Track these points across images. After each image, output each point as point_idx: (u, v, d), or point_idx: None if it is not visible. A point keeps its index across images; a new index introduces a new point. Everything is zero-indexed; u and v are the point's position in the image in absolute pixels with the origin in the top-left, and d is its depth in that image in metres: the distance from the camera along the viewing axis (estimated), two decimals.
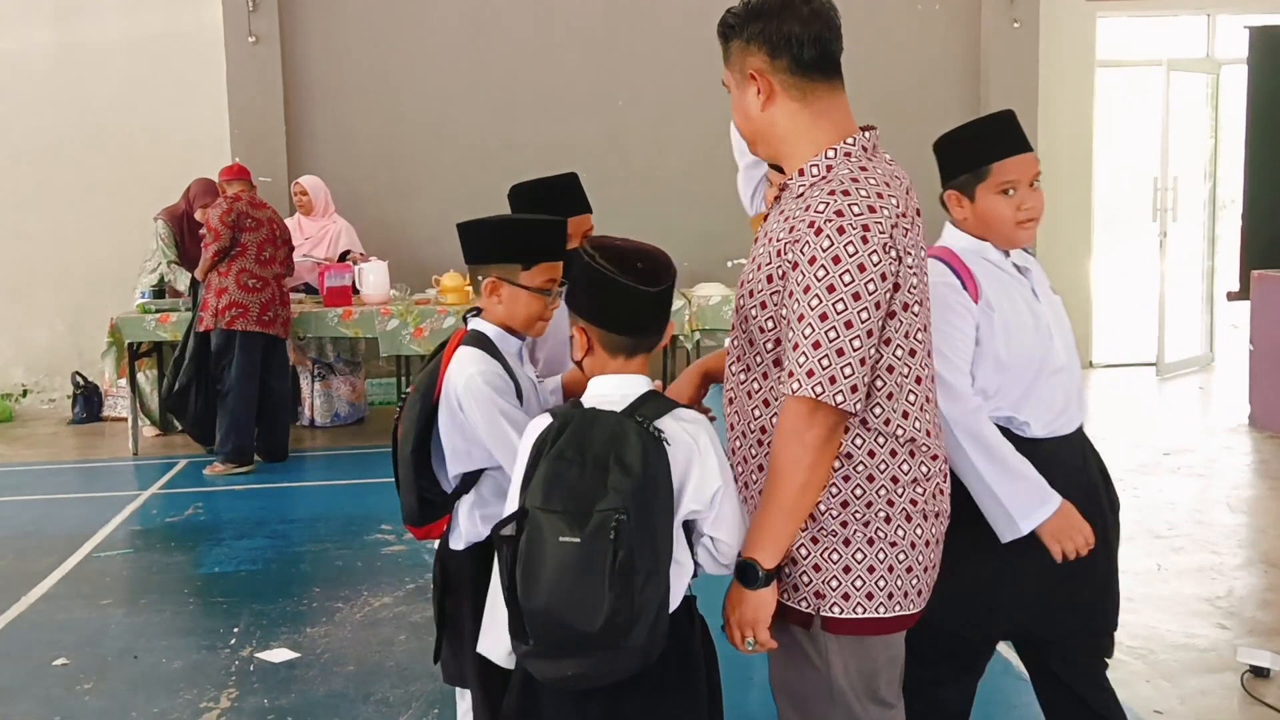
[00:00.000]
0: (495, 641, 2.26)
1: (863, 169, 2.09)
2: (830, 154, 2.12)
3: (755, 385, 2.19)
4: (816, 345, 2.00)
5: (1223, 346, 9.83)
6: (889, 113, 9.57)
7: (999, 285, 2.65)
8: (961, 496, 2.53)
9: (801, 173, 2.14)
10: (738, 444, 2.26)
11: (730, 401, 2.28)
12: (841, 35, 2.16)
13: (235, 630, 4.55)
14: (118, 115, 8.97)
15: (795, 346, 2.03)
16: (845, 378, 2.00)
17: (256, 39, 8.93)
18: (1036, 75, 9.36)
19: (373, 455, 7.48)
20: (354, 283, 7.66)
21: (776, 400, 2.13)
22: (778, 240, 2.10)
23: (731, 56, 2.18)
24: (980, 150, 2.65)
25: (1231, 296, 8.45)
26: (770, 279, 2.10)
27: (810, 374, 2.00)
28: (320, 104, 9.16)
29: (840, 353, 2.00)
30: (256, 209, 7.08)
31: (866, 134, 2.16)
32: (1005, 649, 3.48)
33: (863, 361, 2.01)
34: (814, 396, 2.00)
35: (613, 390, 2.18)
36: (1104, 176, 10.36)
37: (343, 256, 8.04)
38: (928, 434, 2.16)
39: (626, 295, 2.14)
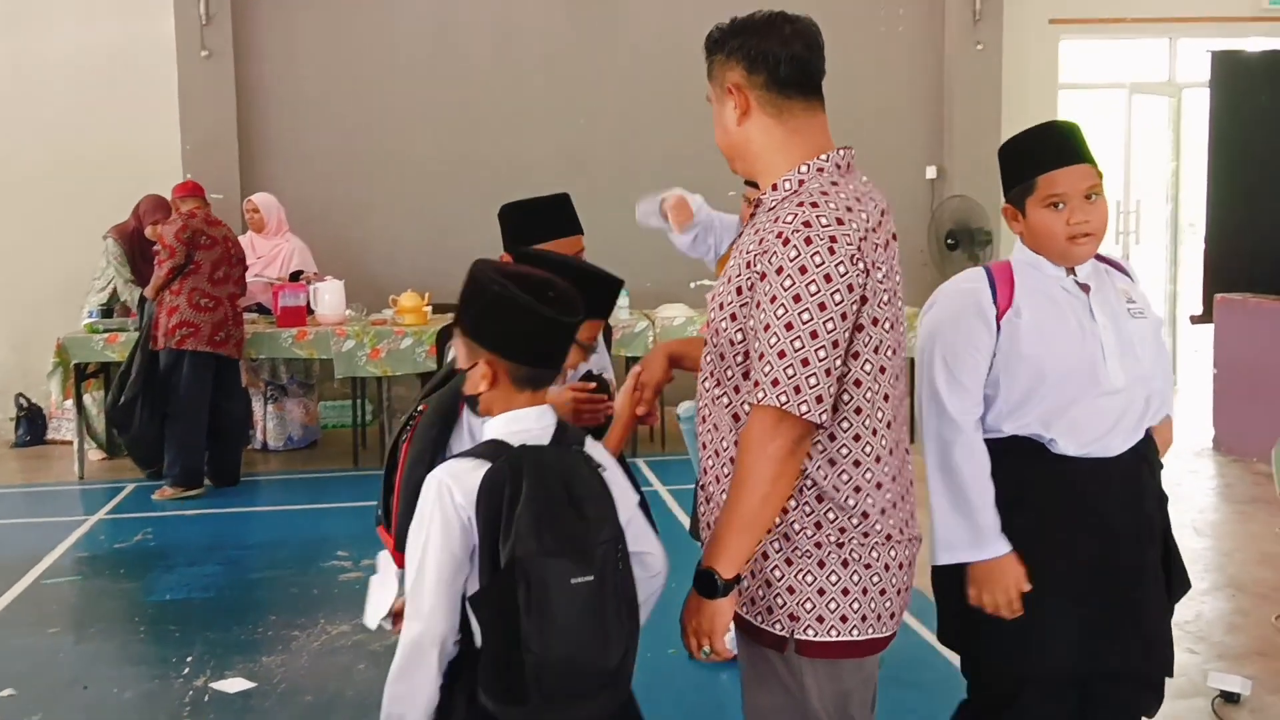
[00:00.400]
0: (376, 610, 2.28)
1: (833, 184, 2.12)
2: (803, 169, 2.14)
3: (726, 400, 2.18)
4: (782, 355, 2.00)
5: (1184, 370, 9.85)
6: (854, 134, 9.44)
7: (1044, 296, 2.57)
8: (1009, 528, 2.53)
9: (775, 188, 2.16)
10: (710, 463, 2.24)
11: (704, 419, 2.26)
12: (823, 56, 2.20)
13: (189, 659, 4.39)
14: (66, 130, 8.76)
15: (761, 356, 2.03)
16: (810, 388, 2.00)
17: (209, 53, 8.76)
18: (999, 97, 9.37)
19: (327, 479, 7.33)
20: (309, 302, 7.51)
21: (746, 414, 2.11)
22: (748, 253, 2.11)
23: (714, 71, 2.21)
24: (1027, 163, 2.58)
25: (1195, 320, 8.46)
26: (740, 291, 2.10)
27: (775, 383, 2.01)
28: (274, 120, 9.00)
29: (805, 362, 2.00)
30: (211, 226, 6.92)
31: (841, 152, 2.18)
32: None
33: (828, 372, 2.01)
34: (779, 406, 2.00)
35: (533, 423, 2.11)
36: None
37: (295, 276, 7.86)
38: (890, 453, 2.16)
39: (545, 326, 2.07)
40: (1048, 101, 9.60)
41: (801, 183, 2.13)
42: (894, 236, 2.19)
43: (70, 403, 7.49)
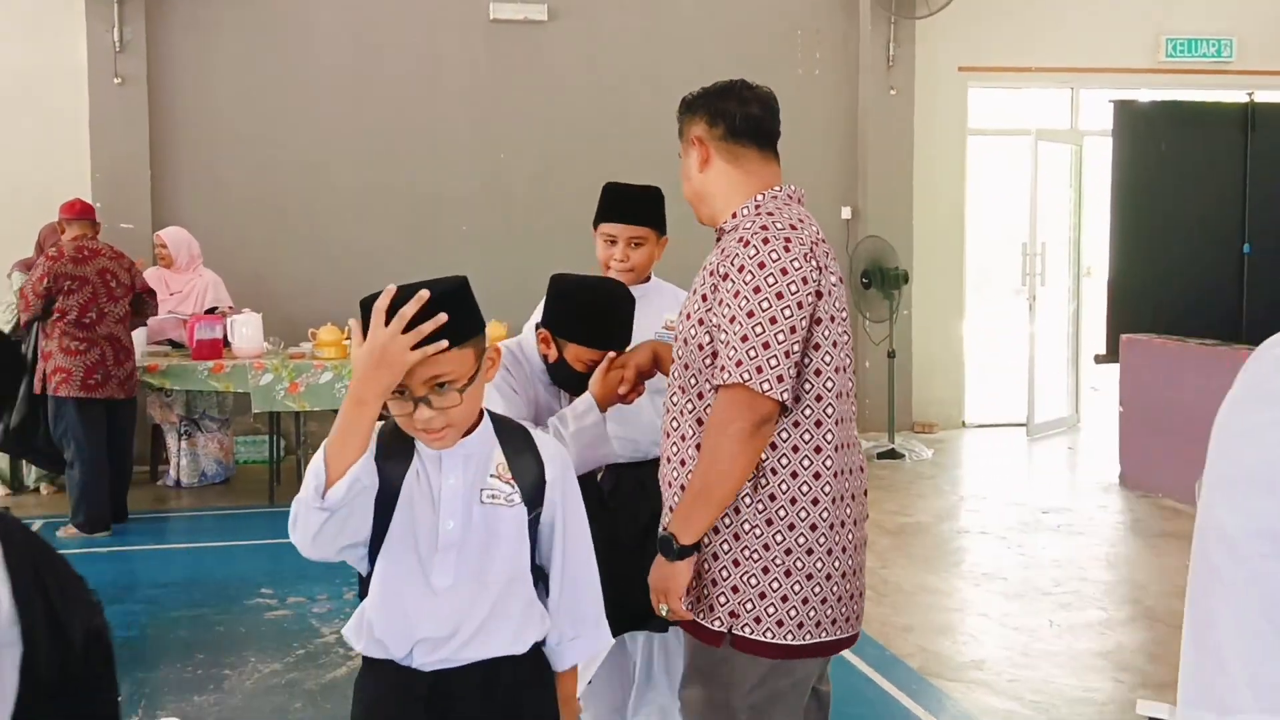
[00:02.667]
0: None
1: (782, 207, 2.37)
2: (759, 198, 2.39)
3: (691, 406, 2.34)
4: (744, 339, 2.17)
5: (1085, 408, 10.14)
6: None
7: None
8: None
9: (734, 215, 2.39)
10: (673, 474, 2.38)
11: (668, 435, 2.41)
12: (778, 118, 2.50)
13: (119, 700, 4.22)
14: None
15: (726, 343, 2.20)
16: (771, 368, 2.16)
17: (122, 80, 8.58)
18: (911, 141, 9.60)
19: (242, 516, 7.16)
20: (225, 336, 7.35)
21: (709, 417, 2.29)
22: (710, 265, 2.33)
23: (682, 129, 2.52)
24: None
25: (1099, 359, 8.73)
26: (704, 298, 2.30)
27: (739, 364, 2.17)
28: (189, 149, 8.83)
29: (766, 345, 2.17)
30: (82, 263, 6.48)
31: (793, 187, 2.44)
32: None
33: (787, 354, 2.18)
34: (742, 382, 2.17)
35: None
36: (976, 241, 10.65)
37: (210, 312, 7.68)
38: (837, 450, 2.30)
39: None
40: (957, 145, 9.88)
41: (758, 206, 2.37)
42: (841, 280, 2.40)
43: None
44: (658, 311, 3.03)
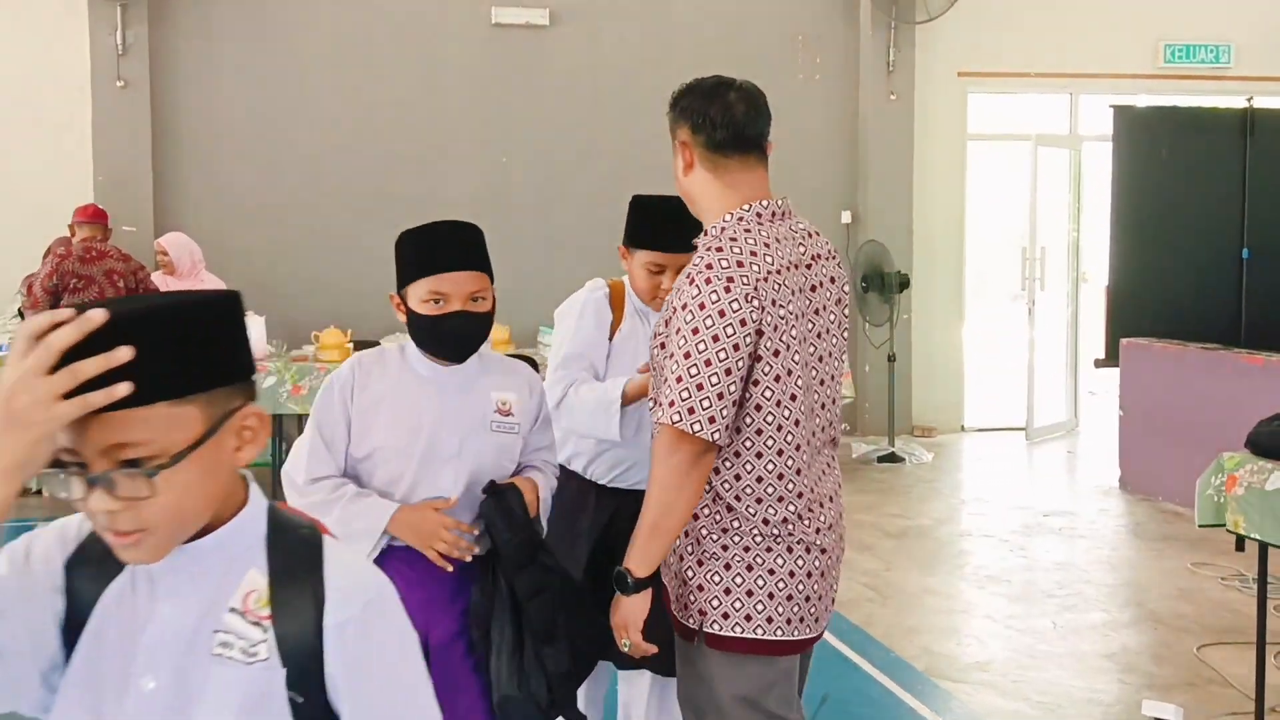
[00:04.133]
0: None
1: (746, 230, 2.35)
2: (728, 218, 2.38)
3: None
4: (679, 380, 2.25)
5: (1084, 412, 10.17)
6: (773, 178, 9.72)
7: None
8: None
9: (706, 233, 2.41)
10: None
11: (654, 437, 2.46)
12: (766, 116, 2.47)
13: None
14: None
15: (666, 380, 2.29)
16: (704, 409, 2.23)
17: (125, 83, 8.59)
18: (911, 145, 9.63)
19: None
20: None
21: None
22: (676, 290, 2.39)
23: (671, 125, 2.50)
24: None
25: (1099, 364, 8.75)
26: (667, 322, 2.36)
27: (672, 404, 2.25)
28: (191, 153, 8.84)
29: (700, 387, 2.23)
30: (89, 263, 6.48)
31: (767, 202, 2.41)
32: None
33: (720, 396, 2.24)
34: (673, 424, 2.24)
35: None
36: (975, 246, 10.68)
37: None
38: (798, 472, 2.35)
39: None
40: (957, 150, 9.90)
41: (723, 229, 2.37)
42: (832, 280, 2.45)
43: None
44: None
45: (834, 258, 2.49)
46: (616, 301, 2.98)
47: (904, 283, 8.84)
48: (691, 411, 2.23)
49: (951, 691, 4.46)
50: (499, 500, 2.46)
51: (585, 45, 9.23)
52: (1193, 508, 6.99)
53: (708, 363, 2.23)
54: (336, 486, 2.46)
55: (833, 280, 2.45)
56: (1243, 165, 8.67)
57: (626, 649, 2.37)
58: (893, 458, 8.69)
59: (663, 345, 2.37)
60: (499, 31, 9.16)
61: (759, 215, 2.39)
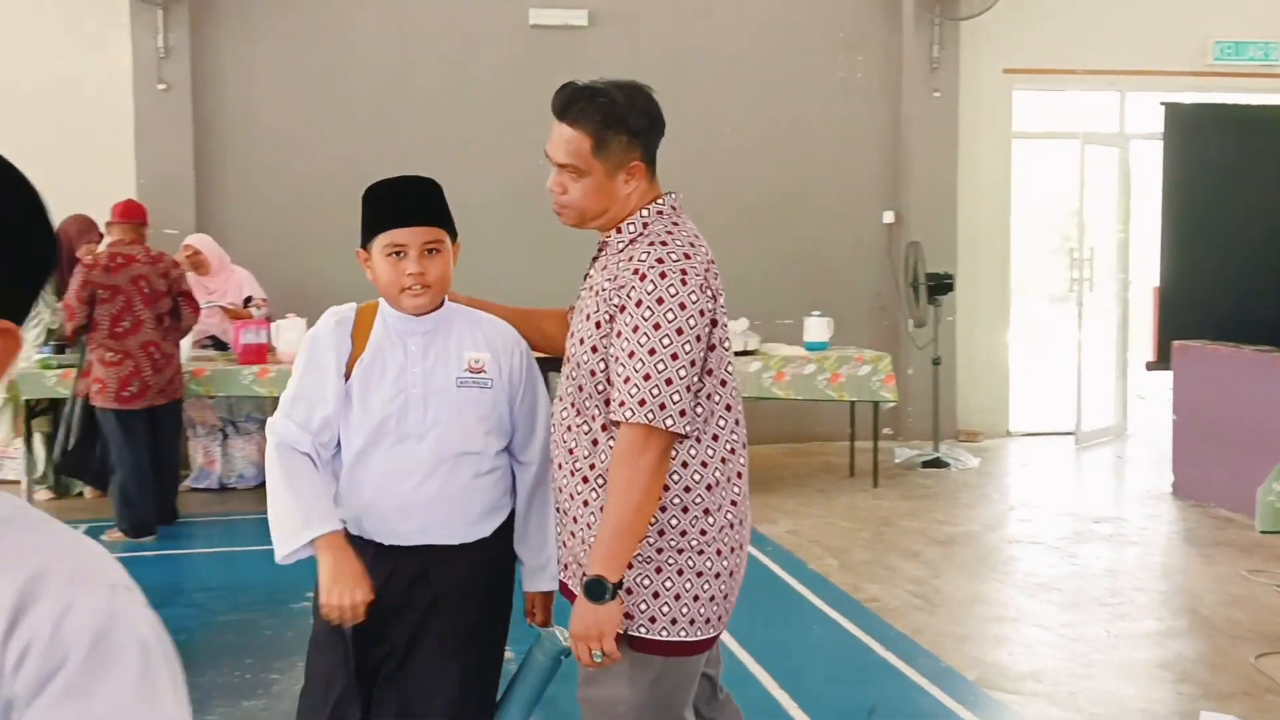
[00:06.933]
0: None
1: (674, 224, 2.41)
2: (644, 214, 2.41)
3: (587, 427, 2.39)
4: (647, 377, 2.24)
5: (1133, 415, 10.00)
6: (813, 177, 9.70)
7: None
8: None
9: (619, 230, 2.42)
10: (565, 481, 2.46)
11: (553, 439, 2.51)
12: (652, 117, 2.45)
13: None
14: (14, 160, 8.47)
15: (626, 380, 2.26)
16: (674, 403, 2.25)
17: (167, 86, 8.62)
18: (956, 144, 9.50)
19: None
20: (269, 340, 7.36)
21: (607, 439, 2.35)
22: (602, 290, 2.36)
23: (601, 136, 2.43)
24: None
25: (1150, 366, 8.59)
26: (599, 325, 2.34)
27: (642, 403, 2.24)
28: (231, 154, 8.86)
29: (669, 382, 2.24)
30: (114, 272, 6.40)
31: (674, 196, 2.47)
32: None
33: (688, 388, 2.27)
34: (647, 423, 2.23)
35: None
36: (1021, 246, 10.53)
37: (246, 302, 7.73)
38: (739, 475, 2.42)
39: None
40: (1002, 149, 9.77)
41: (646, 225, 2.40)
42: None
43: (19, 441, 7.23)
44: (458, 350, 2.59)
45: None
46: (362, 326, 2.56)
47: (948, 284, 8.72)
48: (663, 407, 2.24)
49: (1004, 702, 4.36)
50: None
51: (624, 46, 9.17)
52: (1246, 513, 6.90)
53: (674, 356, 2.25)
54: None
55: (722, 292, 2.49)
56: None
57: (598, 660, 2.31)
58: (937, 463, 8.57)
59: (593, 349, 2.35)
60: (537, 33, 9.12)
61: (674, 208, 2.44)
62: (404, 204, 2.54)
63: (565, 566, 2.52)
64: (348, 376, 2.52)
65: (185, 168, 8.68)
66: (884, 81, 9.59)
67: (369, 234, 2.54)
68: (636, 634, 2.35)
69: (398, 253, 2.50)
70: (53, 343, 7.39)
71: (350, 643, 2.52)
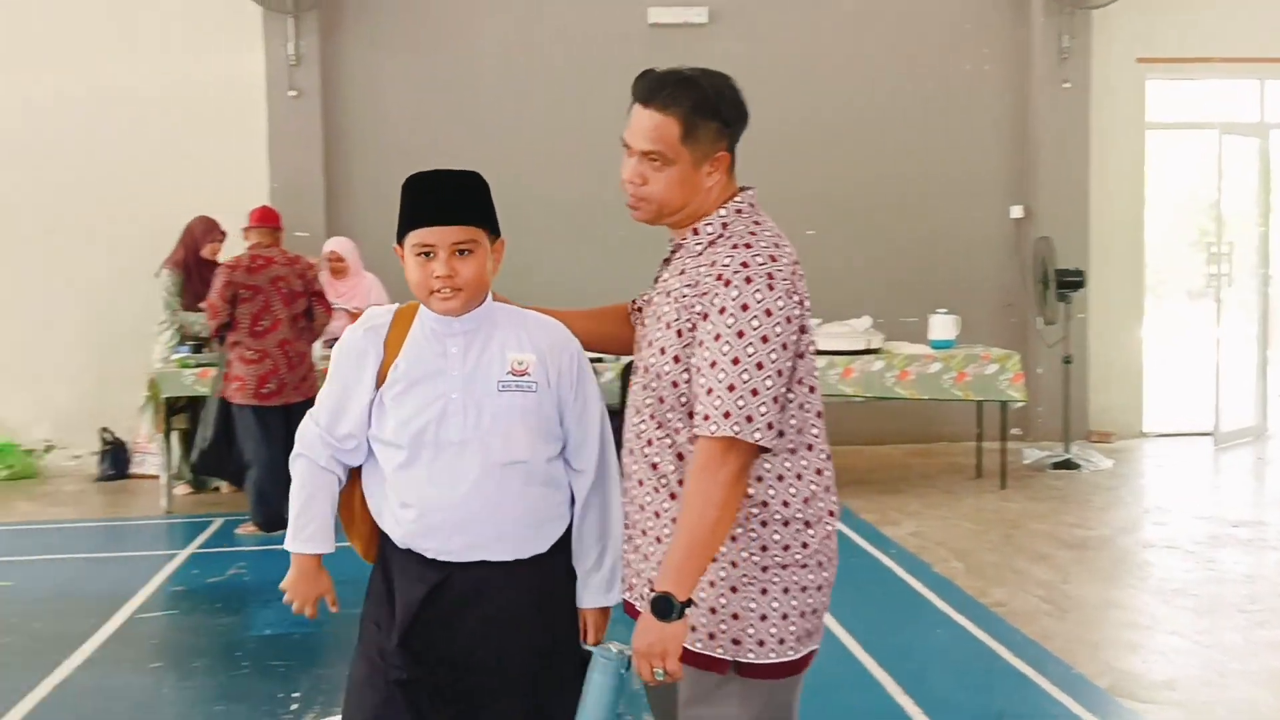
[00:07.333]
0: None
1: (756, 222, 2.28)
2: (723, 212, 2.30)
3: (669, 440, 2.28)
4: (731, 388, 2.12)
5: (1275, 416, 9.62)
6: (937, 171, 9.53)
7: None
8: None
9: (696, 232, 2.30)
10: (647, 498, 2.34)
11: (630, 451, 2.37)
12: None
13: (296, 696, 4.33)
14: (152, 166, 8.82)
15: (710, 391, 2.14)
16: (761, 415, 2.13)
17: (298, 93, 8.85)
18: (1086, 137, 9.26)
19: None
20: None
21: (691, 451, 2.23)
22: (682, 296, 2.24)
23: (689, 124, 2.34)
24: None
25: None
26: (680, 333, 2.22)
27: (727, 415, 2.12)
28: (360, 160, 9.07)
29: (755, 393, 2.13)
30: (255, 272, 6.63)
31: (751, 192, 2.34)
32: None
33: (775, 399, 2.15)
34: (733, 435, 2.12)
35: None
36: (1155, 241, 10.21)
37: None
38: (826, 459, 2.31)
39: None
40: (1135, 141, 9.49)
41: (725, 225, 2.28)
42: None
43: (160, 436, 7.50)
44: (501, 351, 2.43)
45: None
46: (398, 329, 2.42)
47: (1078, 280, 8.49)
48: (750, 419, 2.12)
49: (1137, 711, 4.23)
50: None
51: (745, 42, 9.12)
52: None
53: (759, 366, 2.13)
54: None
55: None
56: None
57: (660, 678, 2.19)
58: (1068, 464, 8.36)
59: (675, 359, 2.23)
60: (656, 32, 9.13)
61: (752, 205, 2.33)
62: (433, 201, 2.34)
63: (631, 586, 2.40)
64: (381, 383, 2.38)
65: (315, 173, 8.91)
66: (1011, 73, 9.39)
67: (400, 231, 2.36)
68: (746, 660, 2.25)
69: (426, 253, 2.32)
70: (190, 343, 7.65)
71: (387, 658, 2.42)
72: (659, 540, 2.30)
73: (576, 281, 8.21)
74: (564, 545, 2.47)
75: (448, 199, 2.34)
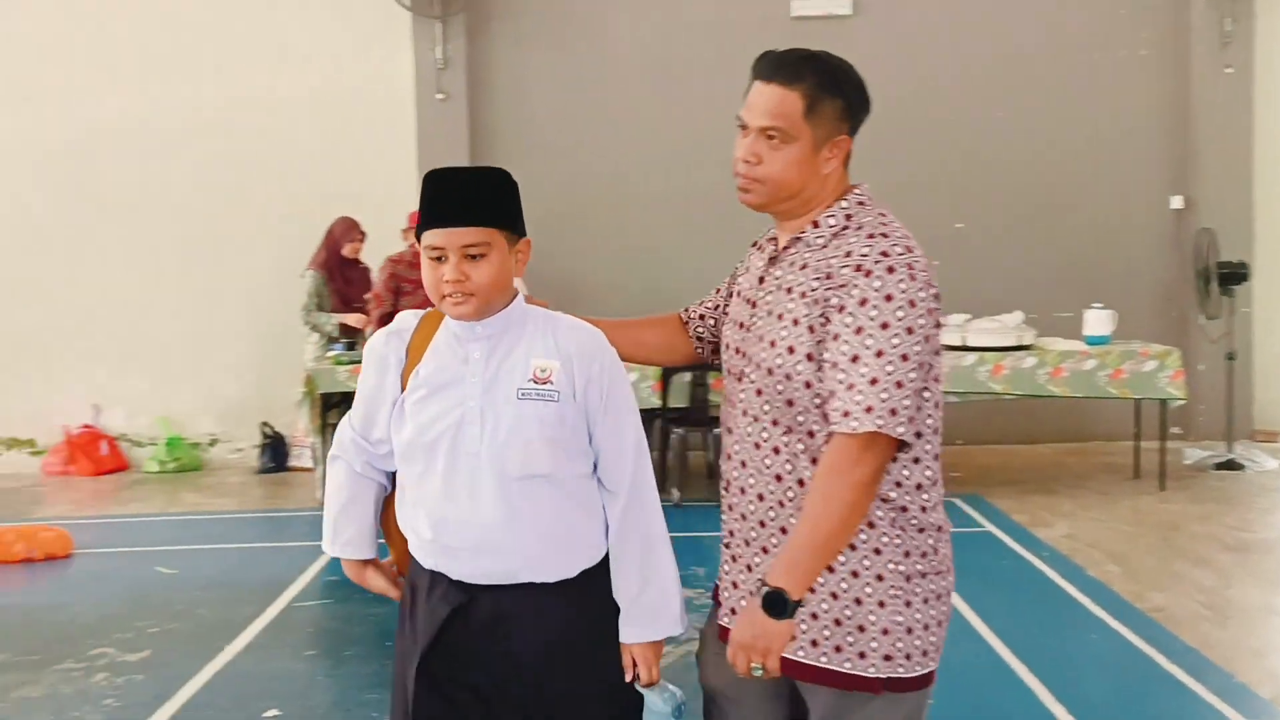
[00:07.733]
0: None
1: (883, 215, 2.19)
2: (844, 204, 2.20)
3: (802, 445, 2.15)
4: (874, 381, 2.03)
5: None
6: (1091, 161, 9.25)
7: None
8: None
9: (816, 225, 2.20)
10: (770, 513, 2.20)
11: (744, 464, 2.24)
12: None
13: None
14: (307, 169, 9.11)
15: (851, 386, 2.04)
16: (904, 409, 2.04)
17: (446, 96, 9.04)
18: (1251, 124, 8.88)
19: None
20: None
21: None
22: (810, 290, 2.13)
23: (813, 103, 2.26)
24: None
25: None
26: (812, 329, 2.11)
27: (869, 409, 2.02)
28: (504, 161, 9.04)
29: (899, 385, 2.03)
30: (418, 267, 6.92)
31: (866, 187, 2.25)
32: None
33: (917, 393, 2.07)
34: (877, 429, 2.02)
35: None
36: None
37: None
38: (936, 459, 2.22)
39: None
40: None
41: (849, 216, 2.18)
42: None
43: (316, 431, 7.74)
44: (525, 357, 2.26)
45: None
46: (423, 334, 2.33)
47: (1242, 273, 8.14)
48: (894, 414, 2.02)
49: None
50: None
51: (891, 33, 8.99)
52: None
53: (904, 358, 2.03)
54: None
55: None
56: None
57: (757, 674, 2.11)
58: (1231, 464, 8.03)
59: (808, 357, 2.11)
60: (799, 24, 9.05)
61: (871, 198, 2.24)
62: (443, 201, 2.20)
63: (734, 611, 2.27)
64: (404, 389, 2.28)
65: None
66: (1169, 58, 9.05)
67: (417, 232, 2.26)
68: (897, 674, 2.16)
69: (438, 256, 2.20)
70: (343, 341, 7.89)
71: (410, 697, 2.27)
72: (765, 551, 2.20)
73: (721, 278, 8.19)
74: (602, 575, 2.29)
75: (457, 199, 2.20)
